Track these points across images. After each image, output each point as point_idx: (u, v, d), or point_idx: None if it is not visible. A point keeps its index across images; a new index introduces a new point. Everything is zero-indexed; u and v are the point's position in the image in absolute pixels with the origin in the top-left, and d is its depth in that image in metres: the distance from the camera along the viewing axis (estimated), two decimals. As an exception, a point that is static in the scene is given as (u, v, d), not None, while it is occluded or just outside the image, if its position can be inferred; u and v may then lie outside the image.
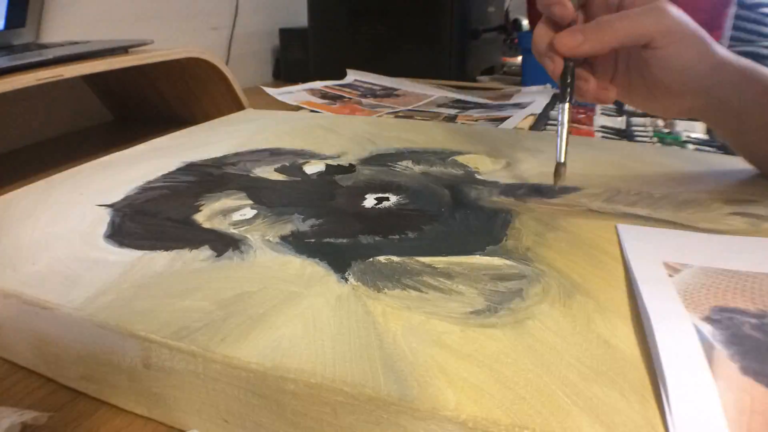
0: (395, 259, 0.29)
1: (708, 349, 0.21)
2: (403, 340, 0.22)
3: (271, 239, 0.31)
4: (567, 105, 0.37)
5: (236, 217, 0.35)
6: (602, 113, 0.70)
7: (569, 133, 0.37)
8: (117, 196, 0.38)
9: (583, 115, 0.68)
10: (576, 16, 0.38)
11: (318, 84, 0.88)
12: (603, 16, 0.36)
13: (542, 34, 0.38)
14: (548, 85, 0.86)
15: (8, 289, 0.26)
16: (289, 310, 0.24)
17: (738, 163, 0.44)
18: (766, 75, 0.37)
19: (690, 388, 0.19)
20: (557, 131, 0.37)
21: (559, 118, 0.37)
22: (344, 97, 0.82)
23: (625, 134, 0.61)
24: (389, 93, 0.86)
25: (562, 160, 0.37)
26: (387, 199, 0.37)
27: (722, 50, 0.36)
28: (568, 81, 0.38)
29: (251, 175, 0.42)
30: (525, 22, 1.15)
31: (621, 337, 0.22)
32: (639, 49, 0.36)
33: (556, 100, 0.77)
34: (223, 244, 0.31)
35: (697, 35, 0.35)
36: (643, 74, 0.38)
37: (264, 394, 0.21)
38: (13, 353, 0.28)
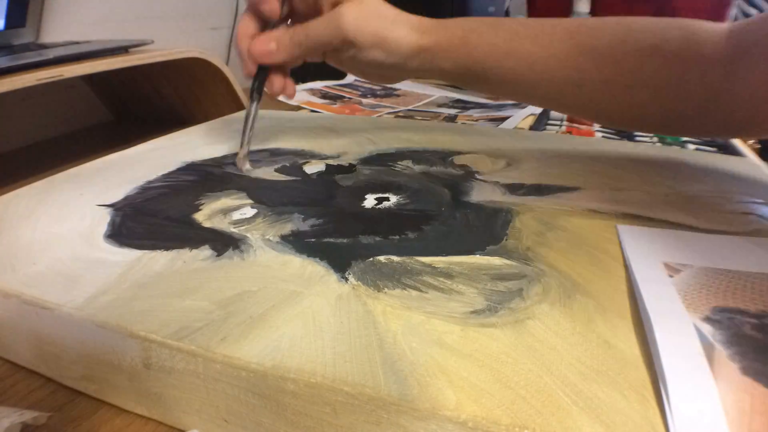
0: (395, 258, 0.29)
1: (708, 349, 0.21)
2: (404, 340, 0.22)
3: (271, 238, 0.31)
4: (255, 104, 0.43)
5: (236, 216, 0.35)
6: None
7: (253, 127, 0.43)
8: (117, 196, 0.38)
9: (583, 115, 0.67)
10: (282, 15, 0.40)
11: (318, 84, 0.88)
12: (295, 27, 0.39)
13: (245, 32, 0.41)
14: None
15: (8, 289, 0.26)
16: (290, 310, 0.24)
17: (738, 164, 0.44)
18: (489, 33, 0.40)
19: (690, 388, 0.19)
20: (246, 123, 0.43)
21: (250, 112, 0.43)
22: (344, 97, 0.82)
23: (625, 134, 0.61)
24: (389, 93, 0.86)
25: (246, 149, 0.43)
26: (387, 198, 0.37)
27: (428, 28, 0.40)
28: (257, 85, 0.42)
29: (251, 174, 0.42)
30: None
31: (621, 337, 0.22)
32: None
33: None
34: (223, 243, 0.31)
35: (379, 35, 0.38)
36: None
37: (264, 394, 0.21)
38: (13, 353, 0.28)
